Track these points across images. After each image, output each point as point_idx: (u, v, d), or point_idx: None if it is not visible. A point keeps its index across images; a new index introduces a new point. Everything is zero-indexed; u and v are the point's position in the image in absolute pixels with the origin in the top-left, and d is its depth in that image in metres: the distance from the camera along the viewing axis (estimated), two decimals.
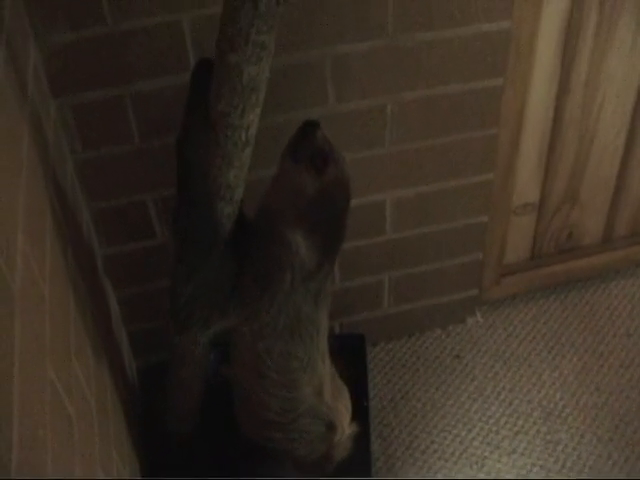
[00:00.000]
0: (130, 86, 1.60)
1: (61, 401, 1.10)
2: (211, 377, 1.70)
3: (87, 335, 1.41)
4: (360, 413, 1.80)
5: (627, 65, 2.02)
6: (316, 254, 1.39)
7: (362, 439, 1.80)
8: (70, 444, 1.11)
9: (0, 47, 1.19)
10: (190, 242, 1.34)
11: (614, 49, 1.97)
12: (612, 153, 2.21)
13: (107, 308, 1.78)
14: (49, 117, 1.50)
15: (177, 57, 1.57)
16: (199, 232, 1.33)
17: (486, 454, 2.07)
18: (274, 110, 1.67)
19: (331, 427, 1.62)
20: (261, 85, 1.20)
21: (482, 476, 2.02)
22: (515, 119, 1.98)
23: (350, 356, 2.03)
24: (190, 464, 1.76)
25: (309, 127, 1.36)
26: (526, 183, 2.18)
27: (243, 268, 1.39)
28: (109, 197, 1.76)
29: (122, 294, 1.93)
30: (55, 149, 1.49)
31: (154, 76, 1.59)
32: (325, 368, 1.58)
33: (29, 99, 1.33)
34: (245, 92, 1.19)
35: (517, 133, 2.02)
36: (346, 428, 1.68)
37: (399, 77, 1.75)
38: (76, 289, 1.39)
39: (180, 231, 1.36)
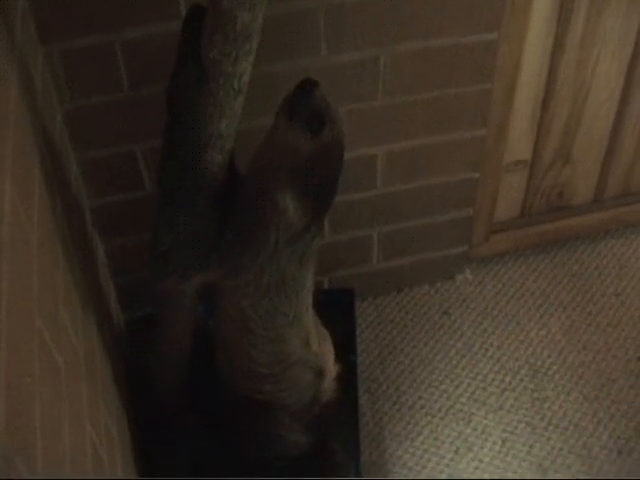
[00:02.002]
0: (120, 33, 1.57)
1: (49, 350, 1.09)
2: (199, 329, 1.69)
3: (75, 286, 1.40)
4: (348, 368, 1.80)
5: (623, 24, 2.00)
6: (304, 216, 1.37)
7: (349, 394, 1.81)
8: (58, 393, 1.11)
9: None
10: (175, 191, 1.33)
11: (611, 7, 1.95)
12: (605, 112, 2.20)
13: (95, 260, 1.77)
14: (37, 65, 1.47)
15: (168, 3, 1.54)
16: (184, 181, 1.32)
17: (473, 410, 2.09)
18: (265, 60, 1.64)
19: (320, 373, 1.63)
20: (254, 32, 1.19)
21: (469, 432, 2.04)
22: (509, 75, 1.96)
23: (339, 311, 2.03)
24: (178, 417, 1.76)
25: (307, 85, 1.33)
26: (518, 140, 2.17)
27: (228, 221, 1.38)
28: (98, 147, 1.74)
29: (110, 246, 1.92)
30: (43, 98, 1.46)
31: (145, 23, 1.56)
32: (309, 317, 1.58)
33: (17, 46, 1.31)
34: (238, 39, 1.17)
35: (511, 89, 2.00)
36: (332, 371, 1.69)
37: (393, 29, 1.72)
38: (64, 239, 1.38)
39: (166, 179, 1.35)
